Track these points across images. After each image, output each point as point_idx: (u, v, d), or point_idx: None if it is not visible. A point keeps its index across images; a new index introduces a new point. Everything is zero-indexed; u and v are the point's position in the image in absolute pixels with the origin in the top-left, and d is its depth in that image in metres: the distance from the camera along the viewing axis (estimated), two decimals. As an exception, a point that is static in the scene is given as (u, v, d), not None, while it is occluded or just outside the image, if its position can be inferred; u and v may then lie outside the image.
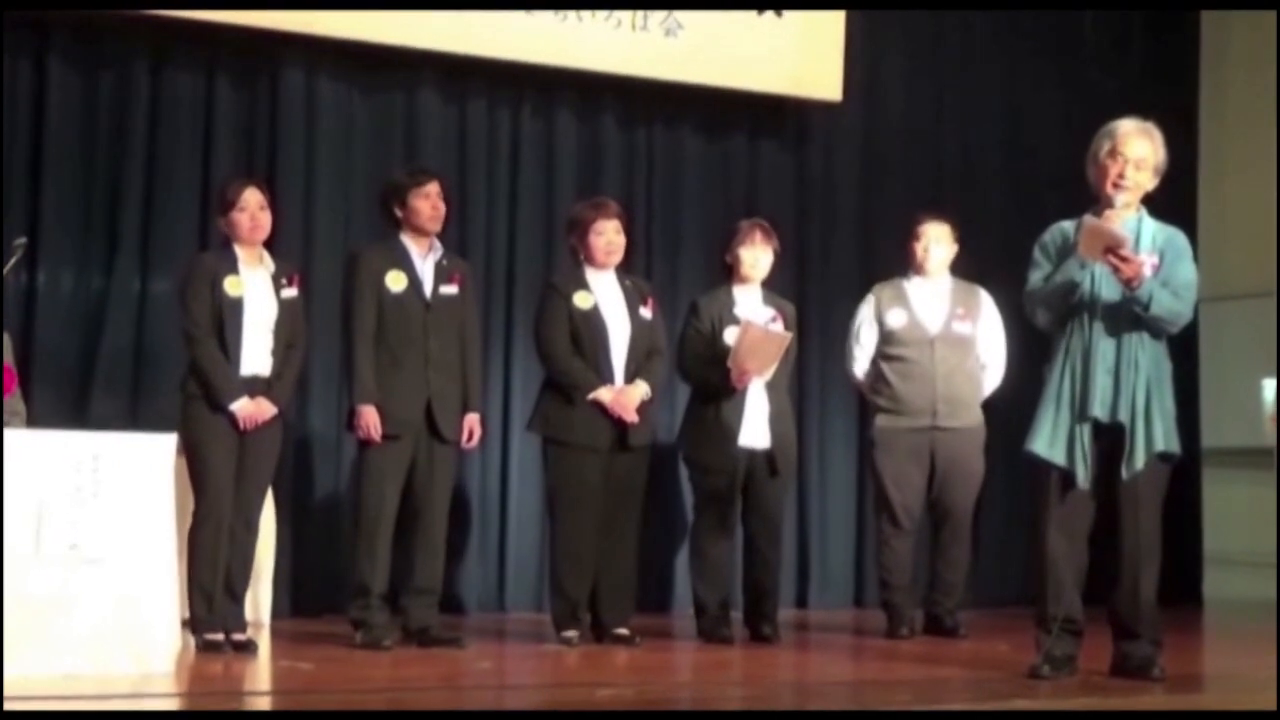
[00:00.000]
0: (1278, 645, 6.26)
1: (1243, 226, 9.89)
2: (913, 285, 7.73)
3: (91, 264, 7.86)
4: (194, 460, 6.13)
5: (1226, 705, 5.52)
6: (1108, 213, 5.70)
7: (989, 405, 7.71)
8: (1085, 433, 5.68)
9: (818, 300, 9.23)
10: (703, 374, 7.21)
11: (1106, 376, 5.67)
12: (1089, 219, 5.67)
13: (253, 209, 6.43)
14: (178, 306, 6.46)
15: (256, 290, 6.41)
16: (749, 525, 7.28)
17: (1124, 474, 5.66)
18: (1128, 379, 5.66)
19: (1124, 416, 5.64)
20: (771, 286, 7.42)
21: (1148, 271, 5.64)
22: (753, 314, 7.20)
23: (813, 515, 9.23)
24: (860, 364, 7.76)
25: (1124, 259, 5.55)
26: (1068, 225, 5.85)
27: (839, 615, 8.81)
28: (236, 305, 6.34)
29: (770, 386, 7.18)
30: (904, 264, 7.79)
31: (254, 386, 6.35)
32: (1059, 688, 5.59)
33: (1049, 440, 5.72)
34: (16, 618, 5.29)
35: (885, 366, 7.65)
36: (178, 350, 6.57)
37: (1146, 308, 5.63)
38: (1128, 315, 5.67)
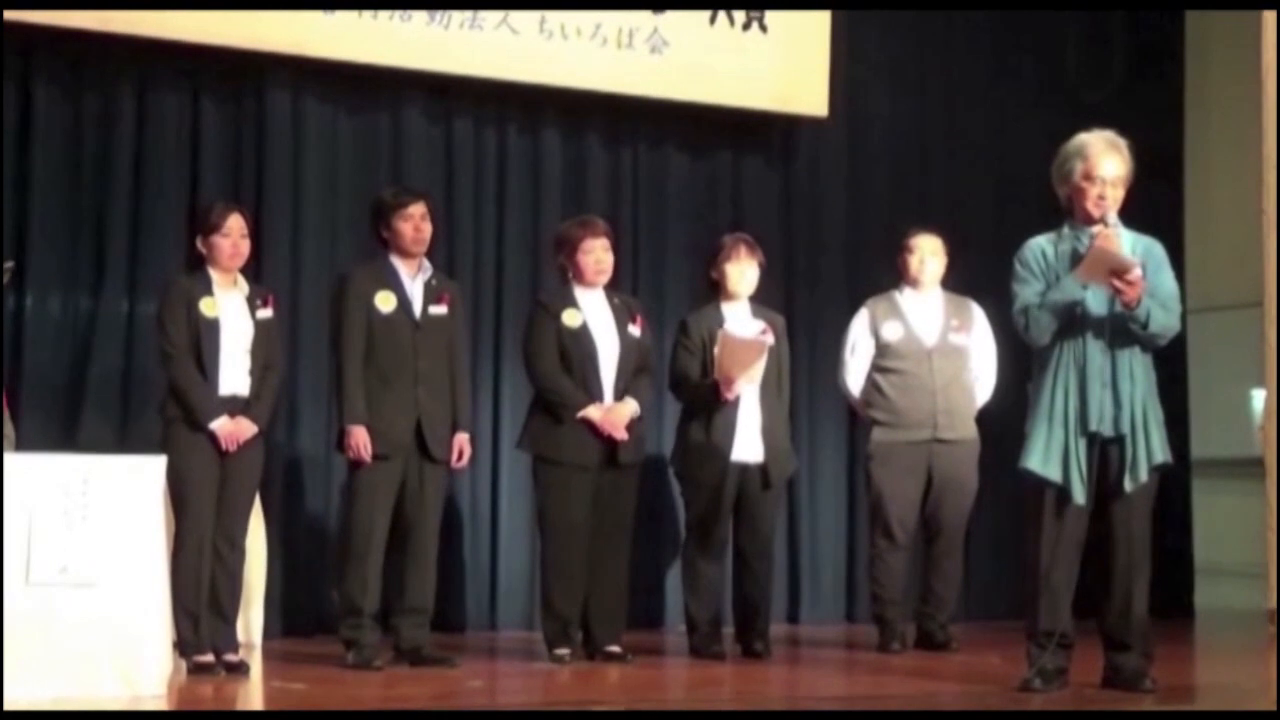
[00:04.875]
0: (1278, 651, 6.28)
1: (1229, 237, 9.90)
2: (906, 298, 7.73)
3: (79, 286, 7.84)
4: (175, 482, 6.11)
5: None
6: (1106, 232, 5.70)
7: (979, 418, 7.71)
8: (1081, 448, 5.69)
9: (806, 315, 9.23)
10: (693, 390, 7.21)
11: (1104, 390, 5.68)
12: (1096, 244, 5.66)
13: (235, 236, 6.46)
14: (156, 329, 6.48)
15: (232, 312, 6.43)
16: (740, 541, 7.27)
17: (1127, 486, 5.68)
18: (1126, 392, 5.68)
19: (1125, 429, 5.66)
20: (759, 300, 7.42)
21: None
22: (742, 328, 7.20)
23: (803, 529, 9.22)
24: (855, 378, 7.74)
25: (1129, 283, 5.57)
26: (1044, 240, 5.89)
27: (830, 630, 8.81)
28: (213, 326, 6.35)
29: (764, 399, 7.17)
30: (893, 277, 7.81)
31: (232, 406, 6.36)
32: (1050, 701, 5.60)
33: (1043, 457, 5.72)
34: (6, 641, 5.29)
35: (882, 380, 7.64)
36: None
37: (1145, 325, 5.65)
38: (1120, 329, 5.68)
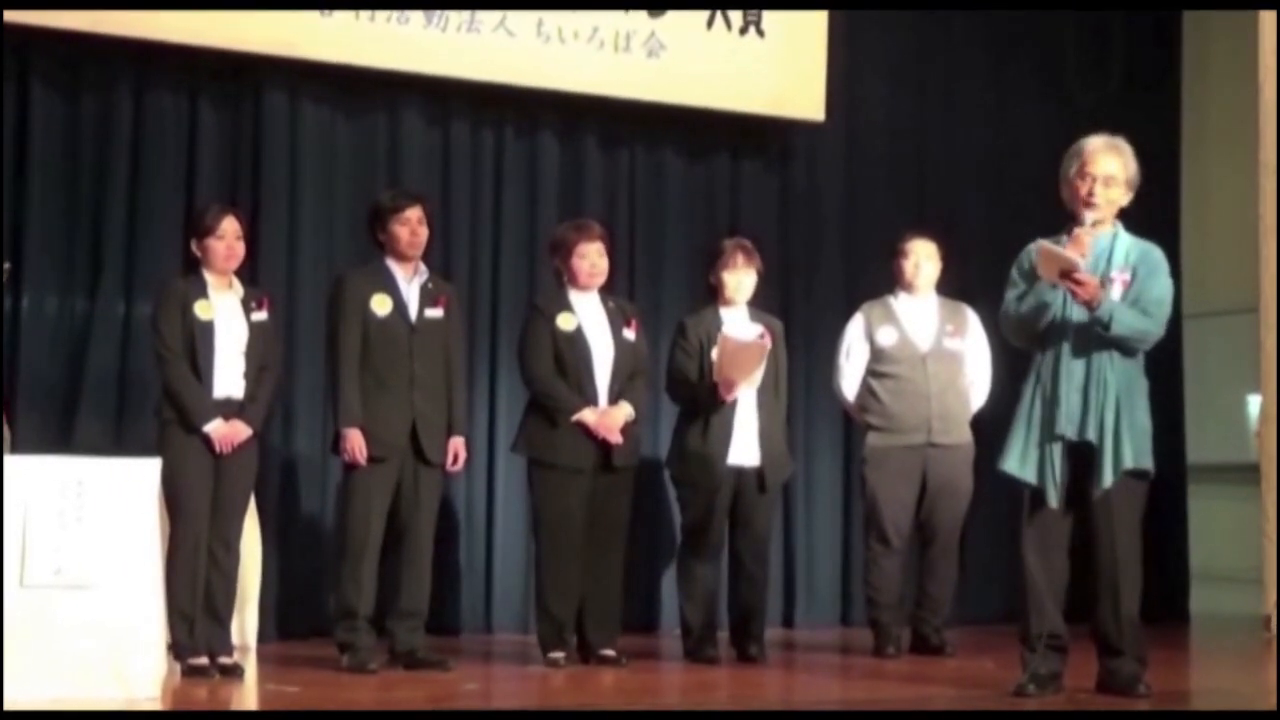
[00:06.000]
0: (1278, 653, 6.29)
1: (1226, 242, 9.90)
2: (901, 303, 7.73)
3: (75, 287, 7.84)
4: (170, 485, 6.11)
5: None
6: (1078, 231, 5.71)
7: (975, 422, 7.71)
8: (1055, 451, 5.69)
9: (803, 319, 9.23)
10: (691, 393, 7.20)
11: (1075, 395, 5.68)
12: (1042, 244, 5.69)
13: (230, 238, 6.47)
14: (151, 332, 6.49)
15: (227, 314, 6.43)
16: (736, 544, 7.27)
17: (1094, 492, 5.67)
18: (1096, 397, 5.66)
19: (1092, 435, 5.65)
20: (757, 305, 7.42)
21: (1117, 291, 5.67)
22: (740, 332, 7.20)
23: (799, 533, 9.22)
24: (850, 382, 7.74)
25: (1078, 282, 5.57)
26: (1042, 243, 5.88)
27: (825, 634, 8.81)
28: (207, 329, 6.36)
29: (761, 402, 7.17)
30: (889, 281, 7.81)
31: (227, 409, 6.36)
32: (1044, 705, 5.60)
33: (1020, 459, 5.74)
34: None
35: (876, 384, 7.64)
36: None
37: (1107, 327, 5.64)
38: (1096, 334, 5.68)
